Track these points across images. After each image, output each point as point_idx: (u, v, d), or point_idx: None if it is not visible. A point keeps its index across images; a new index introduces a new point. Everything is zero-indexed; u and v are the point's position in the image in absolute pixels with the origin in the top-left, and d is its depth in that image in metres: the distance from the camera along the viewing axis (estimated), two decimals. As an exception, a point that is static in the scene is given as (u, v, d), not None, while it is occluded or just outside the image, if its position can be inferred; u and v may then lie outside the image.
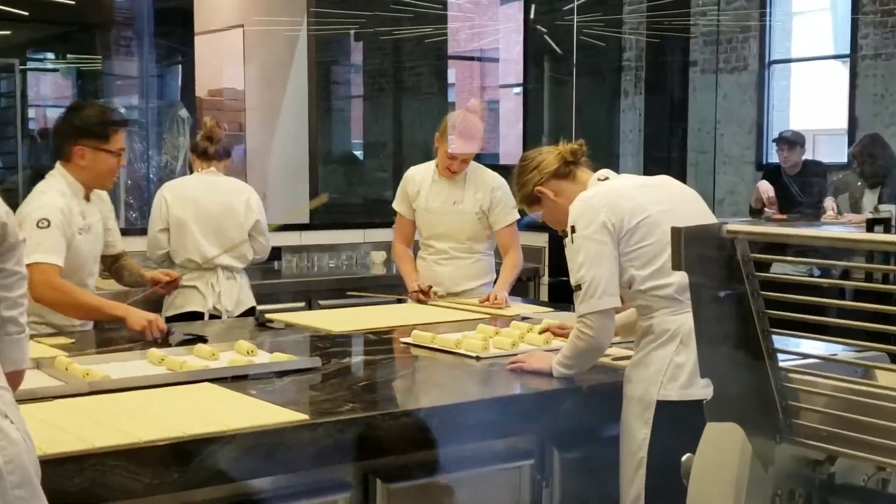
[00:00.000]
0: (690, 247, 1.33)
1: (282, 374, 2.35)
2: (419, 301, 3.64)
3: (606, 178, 2.37)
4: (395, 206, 3.83)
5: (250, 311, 3.62)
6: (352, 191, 6.23)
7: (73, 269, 2.97)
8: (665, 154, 5.95)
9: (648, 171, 6.12)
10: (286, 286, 4.48)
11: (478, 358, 2.58)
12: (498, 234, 3.70)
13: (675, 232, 1.35)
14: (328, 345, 2.79)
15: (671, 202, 2.28)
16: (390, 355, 2.67)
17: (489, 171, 3.77)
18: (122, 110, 5.38)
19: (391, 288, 4.21)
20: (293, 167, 5.64)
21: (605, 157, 6.36)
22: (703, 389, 1.96)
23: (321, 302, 4.50)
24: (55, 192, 2.96)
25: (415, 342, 2.78)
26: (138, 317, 2.84)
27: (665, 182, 2.37)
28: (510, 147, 7.93)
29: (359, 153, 6.52)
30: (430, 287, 3.65)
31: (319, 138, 5.66)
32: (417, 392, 2.35)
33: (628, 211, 2.24)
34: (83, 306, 2.87)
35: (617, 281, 2.23)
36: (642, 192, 2.28)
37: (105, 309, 2.89)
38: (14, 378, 1.62)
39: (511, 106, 8.15)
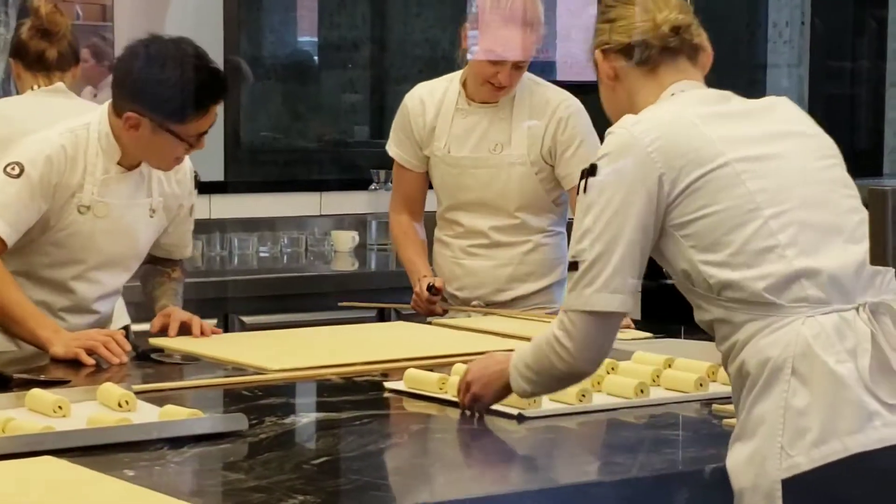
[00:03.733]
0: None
1: (180, 441, 2.35)
2: (427, 311, 3.68)
3: (683, 93, 2.41)
4: (392, 150, 3.87)
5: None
6: (299, 126, 6.22)
7: (58, 262, 3.17)
8: (847, 63, 5.93)
9: (816, 93, 6.14)
10: (185, 290, 4.48)
11: (521, 417, 2.61)
12: (572, 195, 3.71)
13: (875, 197, 1.33)
14: (260, 393, 2.80)
15: (770, 144, 2.32)
16: (368, 411, 2.68)
17: (553, 87, 3.79)
18: None
19: (377, 295, 4.24)
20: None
21: (742, 67, 6.33)
22: (855, 439, 2.05)
23: (245, 319, 4.51)
24: (67, 131, 3.17)
25: (410, 388, 2.79)
26: (70, 341, 3.03)
27: (771, 107, 2.41)
28: (573, 51, 7.91)
29: (312, 60, 6.51)
30: (440, 289, 3.68)
31: (241, 35, 5.65)
32: (413, 479, 2.36)
33: (692, 154, 2.27)
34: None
35: (639, 271, 2.30)
36: (721, 125, 2.32)
37: (28, 323, 3.09)
38: None
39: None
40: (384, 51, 6.40)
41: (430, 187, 3.89)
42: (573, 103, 3.72)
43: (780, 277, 2.21)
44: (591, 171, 2.31)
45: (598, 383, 2.82)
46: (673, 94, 2.40)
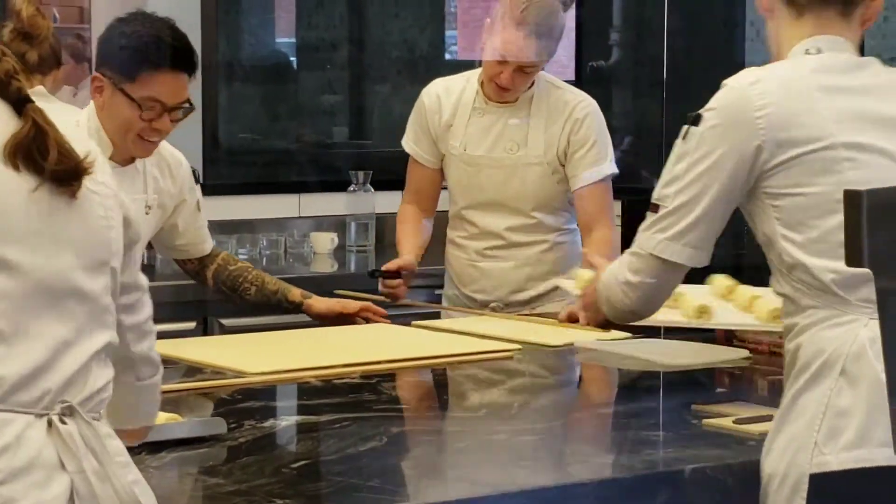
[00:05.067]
0: (882, 225, 1.31)
1: (158, 446, 2.35)
2: (385, 295, 3.68)
3: (818, 52, 2.33)
4: (408, 145, 3.87)
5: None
6: (278, 128, 6.21)
7: None
8: None
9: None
10: (164, 293, 4.46)
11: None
12: (578, 196, 3.71)
13: (851, 198, 1.33)
14: (240, 397, 2.81)
15: (885, 131, 2.25)
16: (348, 414, 2.68)
17: (570, 89, 3.79)
18: None
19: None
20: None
21: (720, 65, 6.35)
22: (884, 451, 2.01)
23: (224, 321, 4.50)
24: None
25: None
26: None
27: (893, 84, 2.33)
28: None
29: (289, 62, 6.50)
30: (406, 272, 3.66)
31: (219, 36, 5.64)
32: (394, 481, 2.35)
33: (799, 130, 2.23)
34: None
35: (716, 230, 2.31)
36: (841, 100, 2.26)
37: None
38: (138, 435, 2.05)
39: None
40: (362, 52, 6.39)
41: (444, 187, 3.89)
42: (589, 104, 3.72)
43: (853, 275, 2.16)
44: (694, 120, 2.28)
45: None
46: (807, 52, 2.32)
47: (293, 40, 6.50)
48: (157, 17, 3.22)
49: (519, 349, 3.29)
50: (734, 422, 2.54)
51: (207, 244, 3.53)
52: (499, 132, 3.71)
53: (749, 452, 2.40)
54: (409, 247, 3.78)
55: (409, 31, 6.19)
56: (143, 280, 1.95)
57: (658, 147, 4.84)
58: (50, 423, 1.72)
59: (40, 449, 1.71)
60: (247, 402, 2.75)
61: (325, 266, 5.08)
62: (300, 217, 5.39)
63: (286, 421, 2.62)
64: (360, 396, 2.83)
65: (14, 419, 1.70)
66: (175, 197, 3.36)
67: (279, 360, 3.11)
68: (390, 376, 2.98)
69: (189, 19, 5.50)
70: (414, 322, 3.65)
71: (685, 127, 2.30)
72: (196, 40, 5.47)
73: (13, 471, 1.68)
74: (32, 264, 1.73)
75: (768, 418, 2.53)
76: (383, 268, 3.70)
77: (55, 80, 3.99)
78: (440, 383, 3.00)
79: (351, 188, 5.33)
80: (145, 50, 3.11)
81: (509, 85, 3.63)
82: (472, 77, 3.78)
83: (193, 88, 5.84)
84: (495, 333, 3.44)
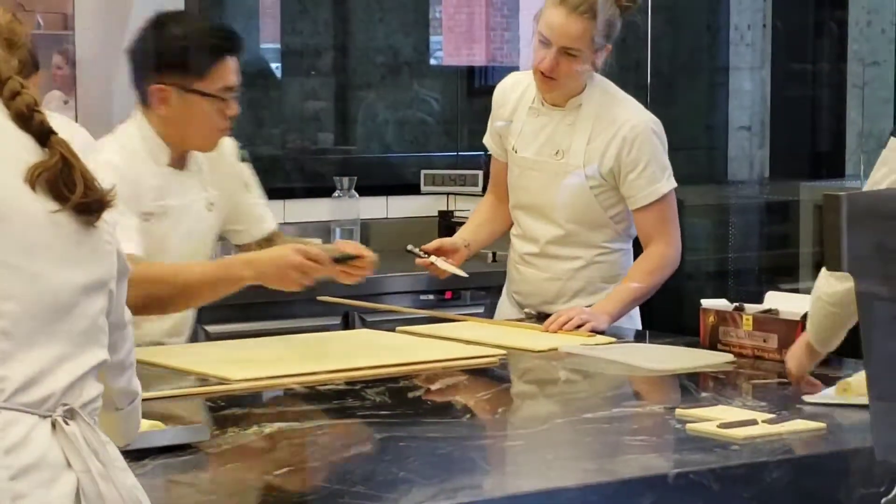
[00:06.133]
0: (860, 229, 1.32)
1: (141, 453, 2.34)
2: (432, 269, 3.63)
3: None
4: (486, 138, 3.85)
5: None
6: (263, 134, 6.21)
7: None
8: (808, 65, 5.94)
9: (778, 96, 6.17)
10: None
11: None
12: (635, 216, 3.65)
13: (830, 202, 1.34)
14: (223, 404, 2.80)
15: None
16: (332, 420, 2.69)
17: (624, 102, 3.67)
18: None
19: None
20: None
21: (704, 69, 6.36)
22: None
23: (209, 328, 4.49)
24: (117, 147, 3.17)
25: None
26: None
27: None
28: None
29: (273, 68, 6.50)
30: (447, 250, 3.61)
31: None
32: (379, 487, 2.34)
33: None
34: None
35: None
36: None
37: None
38: None
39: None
40: (347, 57, 6.39)
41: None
42: (640, 122, 3.60)
43: None
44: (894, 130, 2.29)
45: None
46: None
47: (278, 46, 6.50)
48: (180, 12, 3.26)
49: (504, 354, 3.29)
50: (718, 426, 2.54)
51: (267, 223, 3.51)
52: (547, 136, 3.65)
53: (733, 457, 2.40)
54: (463, 230, 3.81)
55: (393, 36, 6.19)
56: (128, 315, 1.98)
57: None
58: (54, 425, 1.76)
59: (47, 448, 1.74)
60: (230, 408, 2.75)
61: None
62: (285, 223, 5.37)
63: (270, 428, 2.61)
64: (345, 402, 2.82)
65: (20, 419, 1.73)
66: (230, 177, 3.39)
67: (263, 366, 3.11)
68: (375, 382, 2.97)
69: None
70: (398, 328, 3.66)
71: (891, 139, 2.31)
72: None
73: (22, 468, 1.71)
74: (46, 274, 1.79)
75: (752, 422, 2.55)
76: (421, 248, 3.62)
77: (35, 85, 3.98)
78: (424, 389, 2.99)
79: (336, 194, 5.33)
80: (207, 44, 3.17)
81: (552, 70, 3.52)
82: None
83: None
84: (480, 339, 3.44)
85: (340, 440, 2.58)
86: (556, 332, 3.46)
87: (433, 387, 3.01)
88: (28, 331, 1.76)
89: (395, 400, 2.86)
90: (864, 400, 2.72)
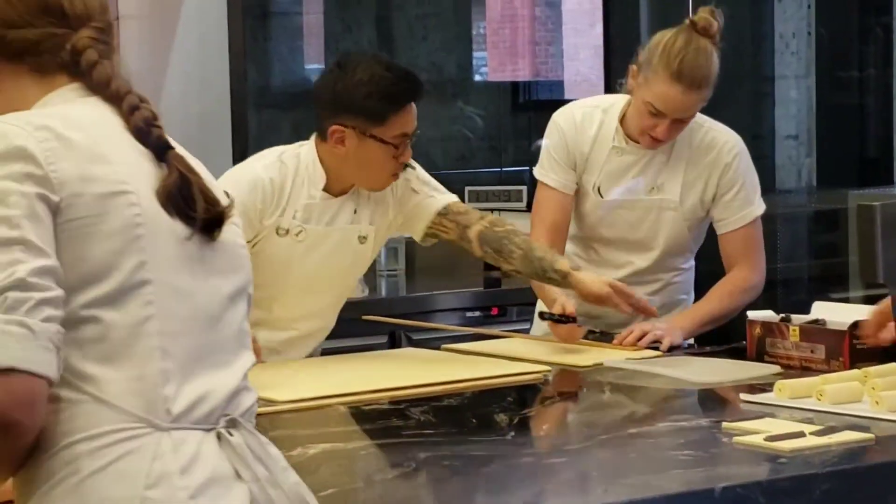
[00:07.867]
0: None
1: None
2: (564, 339, 3.49)
3: None
4: (542, 173, 3.68)
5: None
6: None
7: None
8: (854, 72, 5.90)
9: (824, 103, 6.12)
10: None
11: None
12: (723, 239, 3.62)
13: (864, 212, 1.32)
14: (268, 426, 2.77)
15: None
16: (375, 441, 2.69)
17: (716, 128, 3.63)
18: None
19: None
20: (201, 114, 5.62)
21: (749, 78, 6.33)
22: None
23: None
24: (276, 160, 3.30)
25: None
26: None
27: None
28: (582, 68, 7.89)
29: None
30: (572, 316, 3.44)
31: (247, 63, 5.65)
32: (432, 502, 2.33)
33: None
34: None
35: None
36: None
37: None
38: None
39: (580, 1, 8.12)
40: (390, 76, 6.39)
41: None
42: (736, 143, 3.61)
43: None
44: None
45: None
46: None
47: (322, 66, 6.52)
48: (375, 57, 3.37)
49: (548, 370, 3.28)
50: (765, 439, 2.53)
51: (438, 198, 3.43)
52: (637, 173, 3.58)
53: (780, 470, 2.39)
54: (560, 290, 3.50)
55: (436, 53, 6.20)
56: None
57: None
58: (219, 437, 1.77)
59: (216, 462, 1.76)
60: (275, 430, 2.74)
61: (356, 290, 5.07)
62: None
63: (314, 449, 2.61)
64: (389, 422, 2.82)
65: (188, 436, 1.74)
66: (394, 204, 3.40)
67: (307, 387, 3.11)
68: (419, 401, 2.97)
69: (217, 49, 5.53)
70: (443, 346, 3.65)
71: None
72: (224, 68, 5.51)
73: (199, 486, 1.72)
74: (196, 289, 1.79)
75: (800, 435, 2.52)
76: (552, 310, 3.48)
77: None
78: (469, 407, 2.99)
79: (381, 212, 5.33)
80: (389, 92, 3.20)
81: (666, 138, 3.48)
82: (609, 110, 3.60)
83: (223, 117, 5.90)
84: (524, 355, 3.43)
85: (384, 460, 2.58)
86: (631, 345, 3.43)
87: (478, 405, 3.00)
88: (186, 348, 1.76)
89: (440, 418, 2.86)
90: (835, 408, 2.73)
